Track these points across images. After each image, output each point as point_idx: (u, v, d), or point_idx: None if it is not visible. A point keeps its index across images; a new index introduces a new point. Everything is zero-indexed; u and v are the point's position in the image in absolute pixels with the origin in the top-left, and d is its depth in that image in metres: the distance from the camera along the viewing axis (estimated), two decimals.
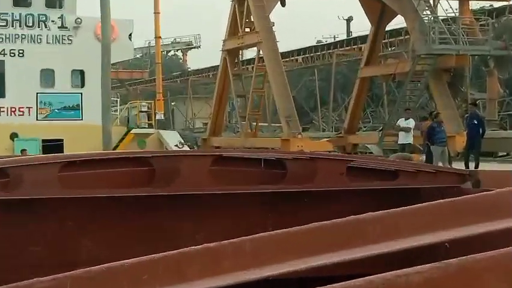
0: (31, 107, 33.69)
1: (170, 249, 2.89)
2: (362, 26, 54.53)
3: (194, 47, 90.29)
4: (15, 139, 32.95)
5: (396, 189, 6.65)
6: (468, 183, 6.48)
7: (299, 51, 62.85)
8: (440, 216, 3.10)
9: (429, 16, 36.65)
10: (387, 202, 5.75)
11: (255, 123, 38.10)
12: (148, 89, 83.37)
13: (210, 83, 79.77)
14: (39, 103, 33.84)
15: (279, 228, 3.02)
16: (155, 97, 48.55)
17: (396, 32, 49.15)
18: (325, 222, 3.02)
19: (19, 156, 8.50)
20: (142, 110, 36.70)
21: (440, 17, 36.87)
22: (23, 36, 33.66)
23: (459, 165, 20.70)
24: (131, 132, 35.11)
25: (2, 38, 33.38)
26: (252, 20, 36.13)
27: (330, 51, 59.06)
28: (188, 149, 35.05)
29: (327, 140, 39.62)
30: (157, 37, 47.98)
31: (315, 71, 65.01)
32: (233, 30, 37.97)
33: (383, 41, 45.80)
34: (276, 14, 36.90)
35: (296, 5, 45.27)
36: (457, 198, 3.25)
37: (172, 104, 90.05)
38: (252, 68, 44.26)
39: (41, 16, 33.84)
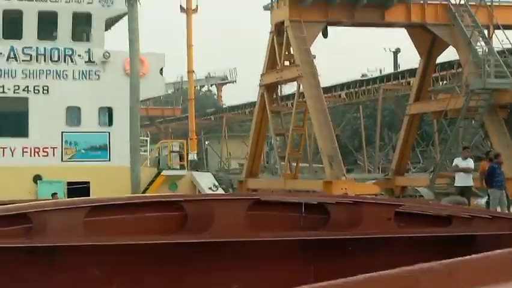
0: (56, 147, 33.99)
1: None
2: (411, 58, 54.53)
3: (229, 82, 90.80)
4: (38, 182, 33.22)
5: (449, 236, 6.58)
6: None
7: (342, 86, 62.82)
8: (498, 267, 3.06)
9: (484, 48, 36.51)
10: (440, 251, 5.69)
11: (295, 164, 38.03)
12: (180, 127, 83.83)
13: (247, 121, 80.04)
14: (65, 143, 34.14)
15: (322, 279, 3.00)
16: (187, 136, 48.82)
17: (448, 65, 49.00)
18: (373, 273, 2.99)
19: (44, 200, 8.57)
20: (174, 150, 36.84)
21: (495, 49, 36.70)
22: (48, 72, 34.08)
23: None
24: (161, 174, 35.24)
25: (26, 73, 33.82)
26: (292, 52, 36.25)
27: (376, 85, 58.95)
28: (223, 192, 35.07)
29: (373, 183, 39.39)
30: (190, 71, 48.39)
31: (359, 107, 64.89)
32: (271, 63, 38.10)
33: (434, 75, 45.67)
34: (318, 46, 36.98)
35: (339, 36, 45.41)
36: None
37: (206, 143, 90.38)
38: (292, 104, 44.30)
39: (67, 50, 34.28)
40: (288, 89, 64.58)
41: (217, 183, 35.89)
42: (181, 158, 36.67)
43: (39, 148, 33.79)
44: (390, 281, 2.95)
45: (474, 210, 7.55)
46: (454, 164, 26.39)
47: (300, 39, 35.36)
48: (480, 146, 46.54)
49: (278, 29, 36.87)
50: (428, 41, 39.28)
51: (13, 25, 33.77)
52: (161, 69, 36.01)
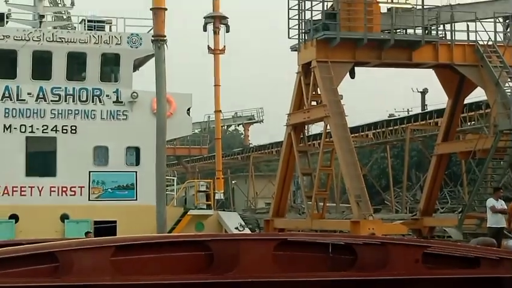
0: (83, 187, 34.14)
1: None
2: (438, 98, 54.36)
3: (256, 122, 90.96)
4: (66, 221, 33.34)
5: (477, 278, 6.53)
6: None
7: (370, 126, 62.79)
8: None
9: None
10: None
11: (322, 204, 37.89)
12: (207, 166, 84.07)
13: (273, 160, 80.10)
14: (92, 182, 34.29)
15: None
16: (214, 175, 48.86)
17: (476, 106, 48.86)
18: None
19: (71, 239, 8.60)
20: (201, 189, 36.85)
21: None
22: (76, 112, 34.34)
23: None
24: (188, 213, 35.24)
25: (55, 113, 34.10)
26: (319, 92, 36.29)
27: (404, 125, 58.87)
28: (250, 232, 34.99)
29: (400, 223, 39.13)
30: (217, 111, 48.55)
31: (387, 147, 64.78)
32: (298, 103, 38.13)
33: (462, 115, 45.52)
34: (345, 86, 37.03)
35: (366, 76, 45.49)
36: None
37: (233, 182, 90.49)
38: (319, 144, 44.29)
39: (95, 91, 34.56)
40: (315, 128, 64.81)
41: (243, 223, 35.82)
42: (207, 198, 36.67)
43: (66, 187, 33.94)
44: None
45: (503, 251, 7.50)
46: (489, 205, 26.12)
47: (327, 79, 35.41)
48: (509, 186, 46.17)
49: (305, 70, 36.96)
50: (456, 81, 39.20)
51: (43, 66, 34.12)
52: (189, 109, 36.16)
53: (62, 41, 34.20)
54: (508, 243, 25.66)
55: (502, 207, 25.92)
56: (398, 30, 37.09)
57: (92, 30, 35.19)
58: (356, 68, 37.23)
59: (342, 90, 36.04)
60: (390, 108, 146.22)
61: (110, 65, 35.34)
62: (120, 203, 34.02)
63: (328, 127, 36.19)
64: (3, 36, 33.68)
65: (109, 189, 34.40)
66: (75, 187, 33.99)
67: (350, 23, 36.17)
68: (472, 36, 37.73)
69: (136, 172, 34.56)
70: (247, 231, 34.91)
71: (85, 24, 35.60)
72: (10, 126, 33.61)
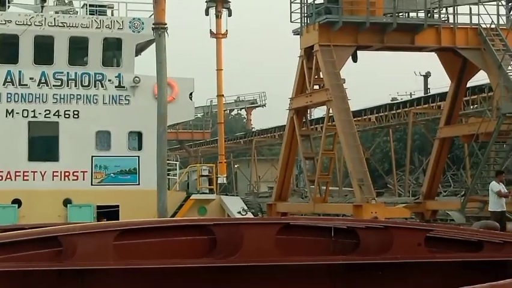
0: (86, 171, 34.16)
1: None
2: (441, 82, 54.30)
3: (259, 106, 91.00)
4: (68, 205, 33.40)
5: (480, 262, 6.53)
6: None
7: (372, 110, 62.77)
8: None
9: None
10: (470, 276, 5.64)
11: (324, 188, 37.93)
12: (210, 150, 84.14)
13: (276, 144, 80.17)
14: (94, 167, 34.31)
15: None
16: (217, 159, 48.86)
17: (479, 89, 48.81)
18: None
19: (73, 223, 8.61)
20: (203, 174, 36.87)
21: None
22: (79, 97, 34.31)
23: None
24: (191, 198, 35.28)
25: (57, 98, 34.08)
26: (321, 76, 36.27)
27: (406, 109, 58.85)
28: (252, 216, 35.03)
29: (403, 206, 39.21)
30: (220, 95, 48.49)
31: (389, 131, 64.77)
32: (301, 87, 38.12)
33: (464, 99, 45.49)
34: (347, 70, 37.03)
35: (369, 60, 45.40)
36: None
37: (235, 166, 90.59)
38: (321, 128, 44.26)
39: (97, 75, 34.53)
40: (318, 112, 64.76)
41: (246, 207, 35.86)
42: (210, 182, 36.70)
43: (69, 172, 33.98)
44: None
45: (506, 235, 7.50)
46: (495, 189, 26.16)
47: (330, 63, 35.39)
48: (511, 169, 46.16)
49: (308, 53, 36.93)
50: (458, 65, 39.17)
51: (45, 50, 34.07)
52: (191, 94, 36.13)
53: (64, 26, 34.14)
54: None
55: (505, 192, 26.10)
56: (400, 14, 37.01)
57: (94, 14, 35.13)
58: (358, 51, 37.21)
59: (344, 74, 36.06)
60: (393, 92, 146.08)
61: (112, 49, 35.30)
62: (123, 188, 34.06)
63: (330, 111, 36.20)
64: (5, 21, 33.63)
65: (112, 174, 34.43)
66: (77, 172, 34.02)
67: (352, 7, 36.11)
68: (475, 20, 37.69)
69: (138, 157, 34.58)
70: (249, 215, 34.95)
71: (86, 8, 35.52)
72: (12, 111, 33.61)
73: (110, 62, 35.28)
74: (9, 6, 35.19)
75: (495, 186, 26.25)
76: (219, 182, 40.39)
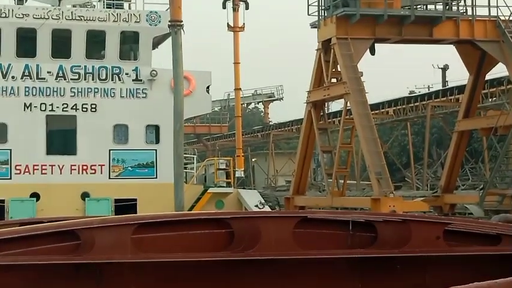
0: (103, 165, 34.26)
1: None
2: (459, 75, 54.10)
3: (276, 99, 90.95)
4: (86, 199, 33.52)
5: (499, 255, 6.51)
6: None
7: (390, 103, 62.63)
8: None
9: None
10: (489, 269, 5.63)
11: (342, 181, 37.90)
12: (227, 144, 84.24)
13: (294, 138, 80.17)
14: (112, 160, 34.41)
15: None
16: (234, 153, 48.94)
17: (498, 82, 48.59)
18: None
19: (91, 217, 8.64)
20: (220, 167, 36.89)
21: None
22: (96, 90, 34.39)
23: None
24: (208, 191, 35.32)
25: (74, 92, 34.17)
26: (339, 69, 36.22)
27: (424, 102, 58.67)
28: (270, 209, 35.04)
29: (421, 200, 39.13)
30: (237, 89, 48.51)
31: (407, 124, 64.60)
32: (318, 80, 38.08)
33: (483, 91, 45.30)
34: (365, 63, 36.94)
35: (386, 52, 45.23)
36: None
37: (253, 160, 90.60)
38: (339, 121, 44.22)
39: (114, 69, 34.59)
40: (335, 106, 64.68)
41: (263, 201, 35.87)
42: (227, 176, 36.73)
43: (87, 166, 34.08)
44: None
45: None
46: None
47: (347, 56, 35.33)
48: None
49: (325, 47, 36.87)
50: (477, 58, 39.00)
51: (62, 44, 34.17)
52: (208, 87, 36.13)
53: (81, 19, 34.22)
54: None
55: None
56: (418, 6, 36.88)
57: (111, 8, 35.19)
58: (376, 44, 37.11)
59: (362, 66, 35.97)
60: (410, 85, 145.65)
61: (129, 43, 35.35)
62: (140, 181, 34.14)
63: (348, 104, 36.14)
64: (23, 14, 33.75)
65: (129, 168, 34.51)
66: (95, 165, 34.12)
67: None
68: (493, 12, 37.53)
69: (155, 150, 34.64)
70: (267, 208, 34.97)
71: (104, 2, 35.59)
72: (30, 104, 33.74)
73: (128, 55, 35.33)
74: (27, 0, 35.31)
75: None
76: (236, 175, 40.45)
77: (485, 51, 37.73)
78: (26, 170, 33.50)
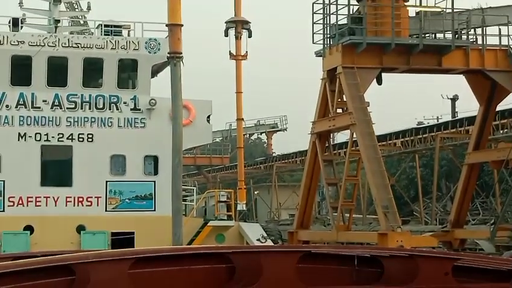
0: (100, 197, 34.28)
1: None
2: (469, 105, 54.17)
3: (279, 130, 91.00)
4: (82, 232, 33.49)
5: None
6: None
7: (398, 134, 62.65)
8: None
9: None
10: None
11: (348, 215, 37.83)
12: (229, 176, 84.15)
13: (298, 170, 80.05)
14: (109, 192, 34.42)
15: None
16: (236, 185, 48.88)
17: (509, 113, 48.64)
18: None
19: (86, 251, 8.64)
20: (221, 200, 36.90)
21: None
22: (93, 120, 34.50)
23: None
24: (208, 224, 35.31)
25: (70, 121, 34.27)
26: (345, 99, 36.26)
27: (433, 134, 58.68)
28: (272, 244, 34.97)
29: (430, 235, 39.00)
30: (239, 119, 48.59)
31: (416, 157, 64.53)
32: (323, 111, 38.11)
33: (494, 123, 45.33)
34: (372, 93, 36.98)
35: (394, 83, 45.35)
36: None
37: (255, 193, 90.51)
38: (345, 153, 44.21)
39: (112, 97, 34.71)
40: (341, 137, 64.73)
41: (265, 234, 35.83)
42: (228, 208, 36.72)
43: (83, 197, 34.10)
44: None
45: None
46: None
47: (353, 86, 35.38)
48: None
49: (330, 76, 36.94)
50: (487, 88, 39.05)
51: (58, 72, 34.31)
52: (209, 117, 36.23)
53: (78, 47, 34.39)
54: None
55: None
56: (427, 35, 36.99)
57: (109, 35, 35.35)
58: (383, 73, 37.20)
59: (368, 97, 36.02)
60: (419, 116, 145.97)
61: (128, 71, 35.50)
62: (138, 214, 34.14)
63: (354, 135, 36.15)
64: (18, 41, 33.92)
65: (127, 200, 34.52)
66: (91, 197, 34.14)
67: (377, 28, 36.14)
68: (504, 41, 37.65)
69: (154, 182, 34.66)
70: (269, 243, 34.91)
71: (101, 29, 35.76)
72: (25, 134, 33.83)
73: (126, 83, 35.46)
74: (22, 27, 35.49)
75: None
76: (238, 208, 40.43)
77: (495, 81, 37.79)
78: (20, 202, 33.52)
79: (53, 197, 33.78)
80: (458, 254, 7.36)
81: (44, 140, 34.01)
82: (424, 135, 59.84)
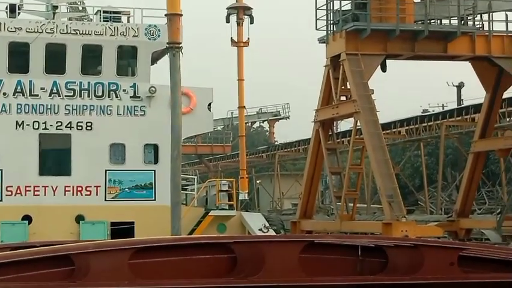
0: (99, 186, 34.30)
1: None
2: (475, 93, 54.15)
3: (282, 118, 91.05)
4: (81, 222, 33.52)
5: None
6: None
7: (402, 122, 62.61)
8: None
9: None
10: None
11: (351, 204, 37.89)
12: (230, 165, 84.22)
13: (300, 159, 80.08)
14: (108, 181, 34.44)
15: None
16: (238, 174, 48.92)
17: None
18: None
19: (85, 241, 8.66)
20: (222, 189, 36.91)
21: None
22: (92, 108, 34.49)
23: None
24: (209, 214, 35.33)
25: (69, 109, 34.27)
26: (348, 87, 36.27)
27: (439, 122, 58.66)
28: (275, 233, 35.02)
29: (435, 225, 39.06)
30: (241, 107, 48.61)
31: (421, 145, 64.52)
32: (327, 98, 38.12)
33: (500, 110, 45.31)
34: (376, 80, 36.96)
35: (399, 69, 45.33)
36: None
37: (257, 182, 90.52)
38: (349, 141, 44.21)
39: (111, 85, 34.69)
40: (345, 125, 64.72)
41: (268, 225, 35.87)
42: (230, 198, 36.74)
43: (82, 187, 34.12)
44: None
45: None
46: None
47: (357, 73, 35.37)
48: None
49: (334, 63, 36.94)
50: (493, 75, 39.03)
51: (56, 59, 34.29)
52: (210, 105, 36.21)
53: (77, 33, 34.35)
54: None
55: None
56: (432, 21, 36.96)
57: (108, 21, 35.31)
58: (387, 60, 37.18)
59: (372, 83, 36.01)
60: (424, 103, 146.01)
61: (127, 58, 35.46)
62: (138, 203, 34.17)
63: (358, 123, 36.16)
64: (15, 28, 33.89)
65: (126, 189, 34.54)
66: (91, 187, 34.16)
67: (381, 13, 36.11)
68: (511, 27, 37.56)
69: (154, 171, 34.67)
70: (271, 232, 34.95)
71: (100, 15, 35.71)
72: (23, 122, 33.83)
73: (125, 71, 35.43)
74: (19, 13, 35.45)
75: None
76: (240, 198, 40.46)
77: (502, 68, 37.77)
78: (18, 192, 33.55)
79: (52, 186, 33.80)
80: (464, 244, 7.37)
81: (42, 129, 34.00)
82: (429, 123, 59.82)
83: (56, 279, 6.49)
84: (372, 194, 63.15)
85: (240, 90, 47.41)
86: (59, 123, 34.15)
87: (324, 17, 37.51)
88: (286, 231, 42.01)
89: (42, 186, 33.72)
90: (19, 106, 33.89)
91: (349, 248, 6.76)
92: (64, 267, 6.51)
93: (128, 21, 36.03)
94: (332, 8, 37.14)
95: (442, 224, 40.08)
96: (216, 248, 6.75)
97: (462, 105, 64.62)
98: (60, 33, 34.22)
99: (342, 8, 36.77)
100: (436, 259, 6.52)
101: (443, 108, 69.57)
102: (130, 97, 34.82)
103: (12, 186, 33.48)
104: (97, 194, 34.19)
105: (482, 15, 37.95)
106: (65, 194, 33.89)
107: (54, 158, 34.91)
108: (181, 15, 26.08)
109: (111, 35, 34.59)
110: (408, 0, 36.36)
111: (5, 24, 33.83)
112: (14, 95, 33.83)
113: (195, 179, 39.12)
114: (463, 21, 37.16)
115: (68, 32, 34.32)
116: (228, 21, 47.08)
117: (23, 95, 33.92)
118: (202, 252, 6.71)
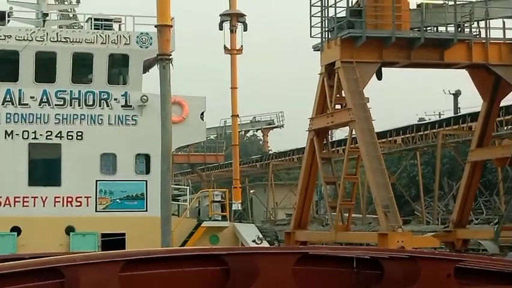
0: (89, 197, 34.27)
1: None
2: (472, 101, 54.27)
3: (276, 127, 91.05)
4: (71, 233, 33.48)
5: None
6: None
7: (398, 131, 62.72)
8: None
9: None
10: None
11: (346, 215, 37.88)
12: (223, 174, 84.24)
13: (295, 168, 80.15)
14: (99, 192, 34.41)
15: None
16: (231, 184, 48.92)
17: None
18: None
19: (75, 253, 8.64)
20: (215, 199, 36.91)
21: None
22: (82, 117, 34.48)
23: None
24: (202, 225, 35.31)
25: (59, 118, 34.25)
26: (343, 95, 36.29)
27: (435, 130, 58.77)
28: (268, 245, 35.01)
29: (432, 235, 39.06)
30: (234, 115, 48.61)
31: (417, 154, 64.67)
32: (321, 107, 38.14)
33: (498, 119, 45.40)
34: (371, 89, 36.97)
35: (394, 78, 45.38)
36: None
37: (251, 192, 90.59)
38: (344, 150, 44.24)
39: (102, 94, 34.69)
40: (340, 134, 64.79)
41: (261, 235, 35.85)
42: (223, 208, 36.72)
43: (72, 197, 34.08)
44: None
45: None
46: None
47: (353, 81, 35.40)
48: None
49: (329, 71, 36.96)
50: (491, 83, 39.11)
51: (46, 67, 34.28)
52: (202, 114, 36.22)
53: (67, 41, 34.36)
54: None
55: None
56: (428, 28, 37.02)
57: (99, 29, 35.32)
58: (383, 68, 37.22)
59: (368, 92, 36.04)
60: (420, 112, 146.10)
61: (119, 66, 35.47)
62: (129, 215, 34.13)
63: (353, 132, 36.17)
64: (5, 36, 33.88)
65: (117, 200, 34.51)
66: (81, 197, 34.12)
67: (377, 21, 36.17)
68: (509, 34, 37.71)
69: (146, 181, 34.65)
70: (265, 244, 34.94)
71: (91, 22, 35.72)
72: (12, 132, 33.79)
73: (116, 79, 35.44)
74: (9, 21, 35.45)
75: None
76: (233, 208, 40.48)
77: (499, 76, 37.84)
78: (7, 202, 33.49)
79: (41, 197, 33.76)
80: (461, 255, 7.37)
81: (32, 138, 33.98)
82: (426, 132, 59.93)
83: None
84: (367, 204, 63.21)
85: (233, 98, 47.42)
86: (49, 133, 34.12)
87: (319, 24, 37.57)
88: (280, 242, 42.00)
89: (32, 197, 33.67)
90: (8, 115, 33.86)
91: (344, 260, 6.77)
92: (53, 279, 6.51)
93: (119, 29, 36.05)
94: (326, 15, 37.18)
95: (439, 234, 40.10)
96: (208, 260, 6.74)
97: (459, 114, 64.76)
98: (51, 41, 34.22)
99: (337, 15, 36.81)
100: (432, 271, 6.52)
101: (439, 117, 69.79)
102: (122, 106, 34.82)
103: (1, 197, 33.43)
104: (87, 205, 34.15)
105: (479, 22, 38.04)
106: (54, 205, 33.84)
107: (44, 168, 34.87)
108: (171, 26, 26.10)
109: (102, 43, 34.61)
110: (404, 7, 36.43)
111: None
112: (3, 104, 33.81)
113: (188, 189, 39.09)
114: (459, 29, 37.23)
115: (59, 40, 34.32)
116: (221, 28, 47.14)
117: (12, 104, 33.91)
118: (195, 264, 6.71)
